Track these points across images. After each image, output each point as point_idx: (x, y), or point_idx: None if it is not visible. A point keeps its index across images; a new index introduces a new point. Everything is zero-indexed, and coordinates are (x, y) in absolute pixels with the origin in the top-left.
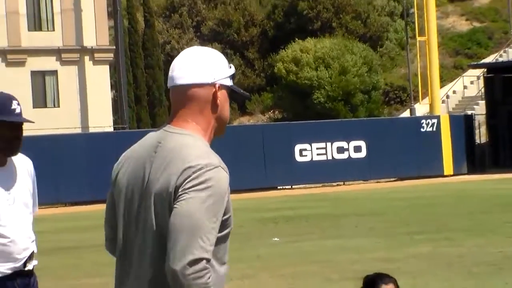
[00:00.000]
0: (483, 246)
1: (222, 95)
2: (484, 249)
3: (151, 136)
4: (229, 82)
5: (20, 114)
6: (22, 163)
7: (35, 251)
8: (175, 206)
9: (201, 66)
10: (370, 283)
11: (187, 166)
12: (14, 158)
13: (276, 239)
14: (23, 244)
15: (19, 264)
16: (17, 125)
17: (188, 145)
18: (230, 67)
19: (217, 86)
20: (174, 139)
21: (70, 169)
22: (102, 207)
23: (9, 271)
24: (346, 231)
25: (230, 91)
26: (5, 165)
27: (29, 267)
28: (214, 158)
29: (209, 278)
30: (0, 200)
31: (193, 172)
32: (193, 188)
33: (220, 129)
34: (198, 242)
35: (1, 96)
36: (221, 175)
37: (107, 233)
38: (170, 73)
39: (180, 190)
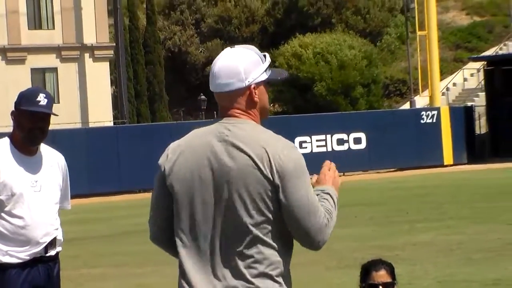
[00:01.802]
0: (483, 233)
1: (260, 91)
2: (484, 236)
3: (206, 129)
4: (264, 77)
5: (44, 106)
6: (53, 157)
7: (59, 238)
8: (286, 195)
9: (236, 73)
10: (365, 271)
11: (272, 149)
12: (45, 151)
13: None
14: (44, 229)
15: (39, 249)
16: (40, 116)
17: (259, 130)
18: (265, 61)
19: (252, 87)
20: (241, 126)
21: (70, 163)
22: (100, 200)
23: (28, 257)
24: (346, 221)
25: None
26: (34, 155)
27: (51, 253)
28: (286, 139)
29: (329, 218)
30: (26, 185)
31: (284, 156)
32: (292, 174)
33: (264, 116)
34: (319, 216)
35: (31, 88)
36: (299, 152)
37: (159, 223)
38: (211, 79)
39: (277, 173)
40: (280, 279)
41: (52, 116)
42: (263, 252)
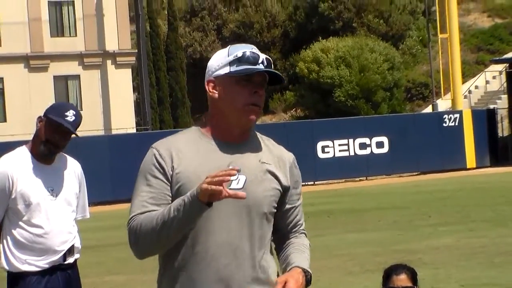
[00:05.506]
0: (506, 236)
1: (223, 85)
2: (507, 240)
3: None
4: (225, 70)
5: (69, 122)
6: (70, 165)
7: (77, 246)
8: None
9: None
10: (386, 275)
11: None
12: (62, 159)
13: None
14: (62, 237)
15: (57, 257)
16: (61, 130)
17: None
18: (233, 56)
19: (207, 80)
20: None
21: (94, 170)
22: (124, 206)
23: (47, 266)
24: (368, 225)
25: (246, 75)
26: (51, 164)
27: (70, 260)
28: (159, 141)
29: (130, 225)
30: (42, 194)
31: None
32: None
33: (234, 113)
34: (130, 212)
35: (65, 103)
36: (146, 155)
37: None
38: None
39: None
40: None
41: (76, 136)
42: None
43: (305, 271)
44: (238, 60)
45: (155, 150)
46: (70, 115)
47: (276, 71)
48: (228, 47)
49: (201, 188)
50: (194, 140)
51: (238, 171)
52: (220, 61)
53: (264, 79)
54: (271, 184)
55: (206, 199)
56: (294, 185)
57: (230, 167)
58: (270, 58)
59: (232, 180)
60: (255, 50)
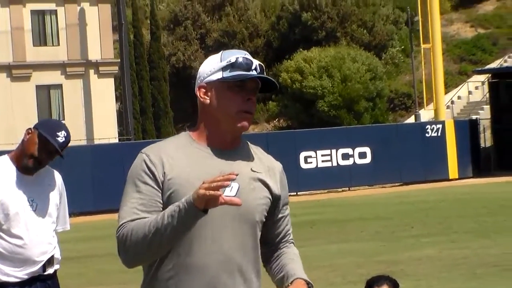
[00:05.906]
0: (488, 247)
1: (215, 91)
2: (488, 251)
3: None
4: (217, 76)
5: (58, 142)
6: (51, 176)
7: (57, 256)
8: None
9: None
10: (368, 286)
11: None
12: (44, 170)
13: None
14: (41, 248)
15: (36, 268)
16: (48, 148)
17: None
18: (227, 61)
19: (198, 86)
20: None
21: (76, 180)
22: (106, 217)
23: (26, 276)
24: (351, 236)
25: (239, 81)
26: (32, 175)
27: (49, 271)
28: (149, 147)
29: (120, 232)
30: (22, 205)
31: None
32: None
33: (228, 121)
34: (119, 219)
35: (58, 122)
36: (136, 161)
37: None
38: None
39: None
40: None
41: (61, 157)
42: None
43: (308, 283)
44: (231, 66)
45: (145, 155)
46: (61, 136)
47: (269, 77)
48: (221, 52)
49: (198, 193)
50: (185, 146)
51: (236, 175)
52: (212, 66)
53: (257, 85)
54: (262, 193)
55: (203, 205)
56: (284, 195)
57: (227, 172)
58: (262, 65)
59: (225, 188)
60: (248, 56)
